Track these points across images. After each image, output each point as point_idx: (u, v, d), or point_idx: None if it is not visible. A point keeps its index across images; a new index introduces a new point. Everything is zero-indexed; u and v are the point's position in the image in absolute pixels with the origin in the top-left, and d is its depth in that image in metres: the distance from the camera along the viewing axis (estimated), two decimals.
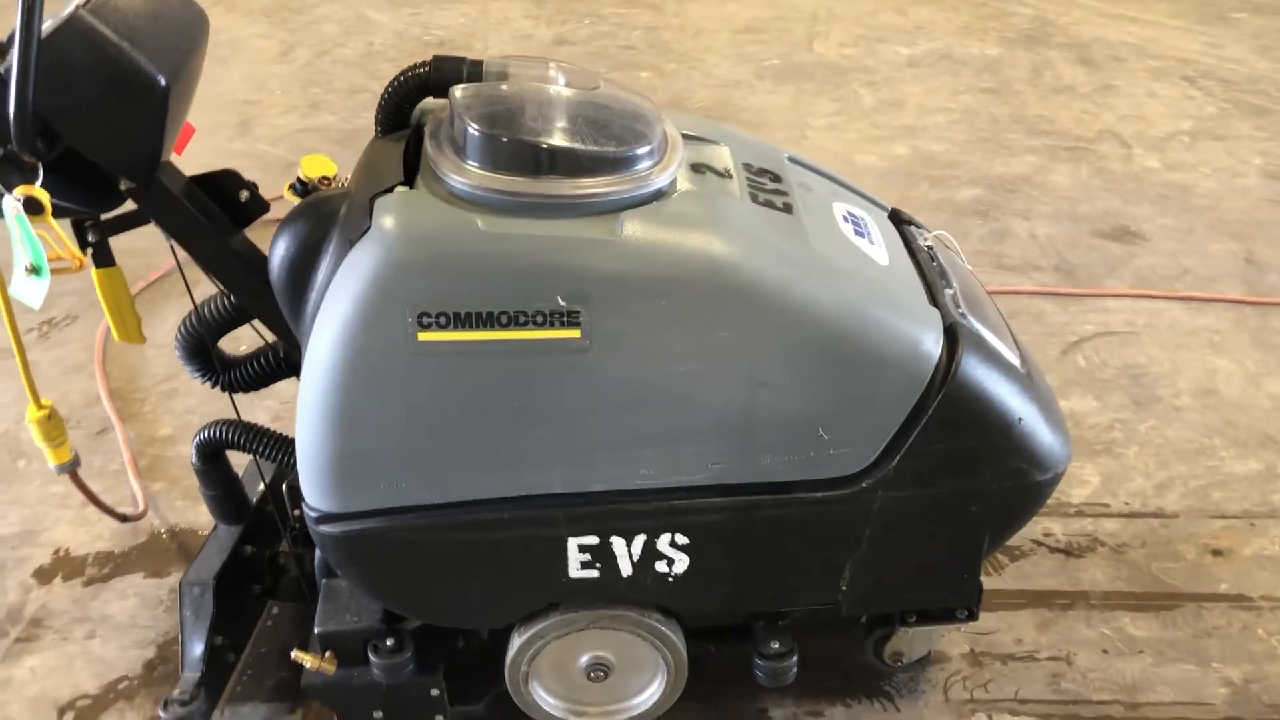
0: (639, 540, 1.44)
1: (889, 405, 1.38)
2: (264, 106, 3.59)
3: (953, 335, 1.40)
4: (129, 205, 1.41)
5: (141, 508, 2.03)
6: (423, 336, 1.28)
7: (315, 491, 1.40)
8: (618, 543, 1.44)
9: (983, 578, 1.89)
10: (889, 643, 1.68)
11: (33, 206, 1.23)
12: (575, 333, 1.29)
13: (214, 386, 1.61)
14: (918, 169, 3.23)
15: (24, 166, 1.23)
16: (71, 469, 1.63)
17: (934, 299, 1.46)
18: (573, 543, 1.44)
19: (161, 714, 1.59)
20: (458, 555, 1.45)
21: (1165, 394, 2.36)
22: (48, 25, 1.20)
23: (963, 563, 1.54)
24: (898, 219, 1.65)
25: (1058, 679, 1.76)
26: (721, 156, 1.47)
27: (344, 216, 1.33)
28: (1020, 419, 1.43)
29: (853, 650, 1.71)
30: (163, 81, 1.23)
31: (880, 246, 1.49)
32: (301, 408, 1.35)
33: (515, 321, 1.28)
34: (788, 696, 1.72)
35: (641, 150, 1.33)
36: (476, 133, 1.28)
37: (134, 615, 1.86)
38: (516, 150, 1.28)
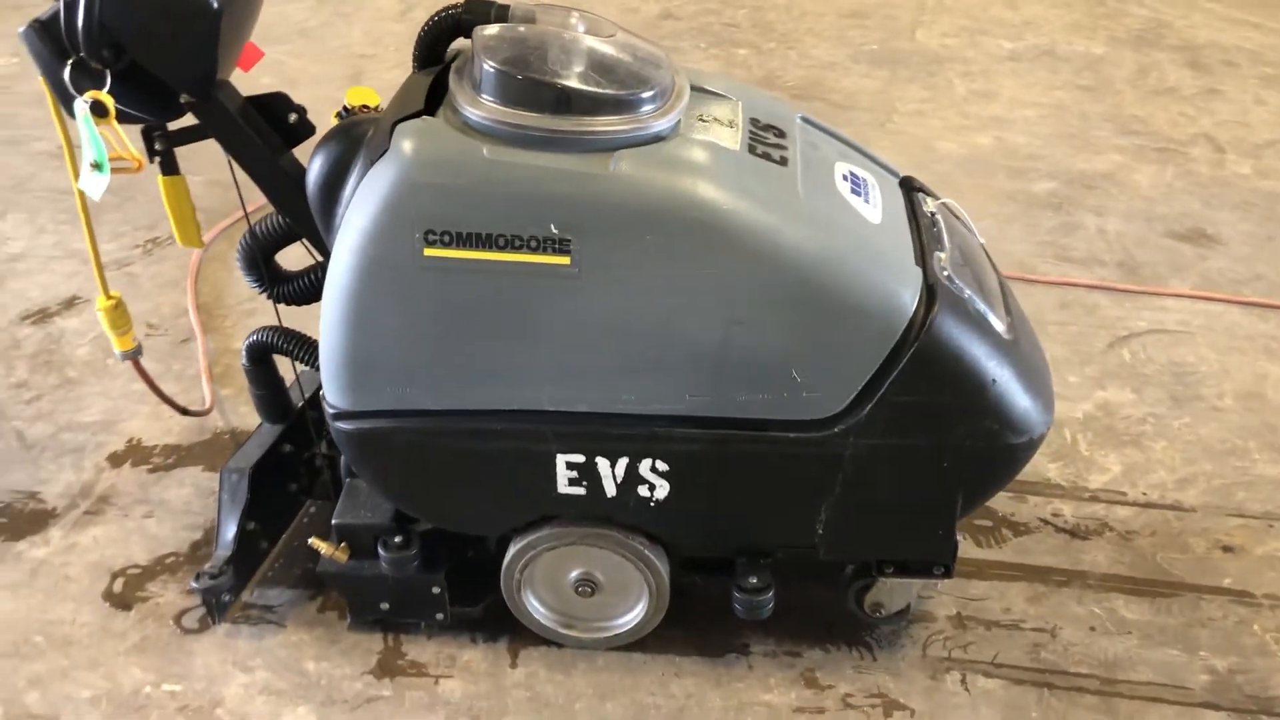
0: (622, 462, 1.54)
1: (861, 353, 1.45)
2: (376, 61, 3.79)
3: (932, 294, 1.47)
4: (192, 119, 1.57)
5: (208, 405, 2.22)
6: (428, 252, 1.40)
7: (332, 389, 1.54)
8: (602, 463, 1.55)
9: (981, 549, 1.95)
10: (869, 593, 1.75)
11: (98, 109, 1.40)
12: (565, 259, 1.40)
13: (268, 297, 1.77)
14: (997, 159, 3.23)
15: (93, 73, 1.40)
16: (134, 356, 1.81)
17: (922, 260, 1.52)
18: (560, 459, 1.55)
19: (194, 584, 1.77)
20: (456, 461, 1.57)
21: (1208, 394, 2.35)
22: None
23: (937, 518, 1.60)
24: (909, 186, 1.71)
25: (1038, 649, 1.80)
26: (730, 110, 1.56)
27: (370, 139, 1.46)
28: (994, 380, 1.48)
29: (838, 602, 1.78)
30: (215, 4, 1.38)
31: (875, 206, 1.55)
32: (323, 311, 1.49)
33: (511, 245, 1.40)
34: (770, 636, 1.80)
35: (645, 95, 1.43)
36: (491, 69, 1.40)
37: (188, 502, 2.05)
38: (526, 87, 1.40)
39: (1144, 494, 2.10)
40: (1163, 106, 3.57)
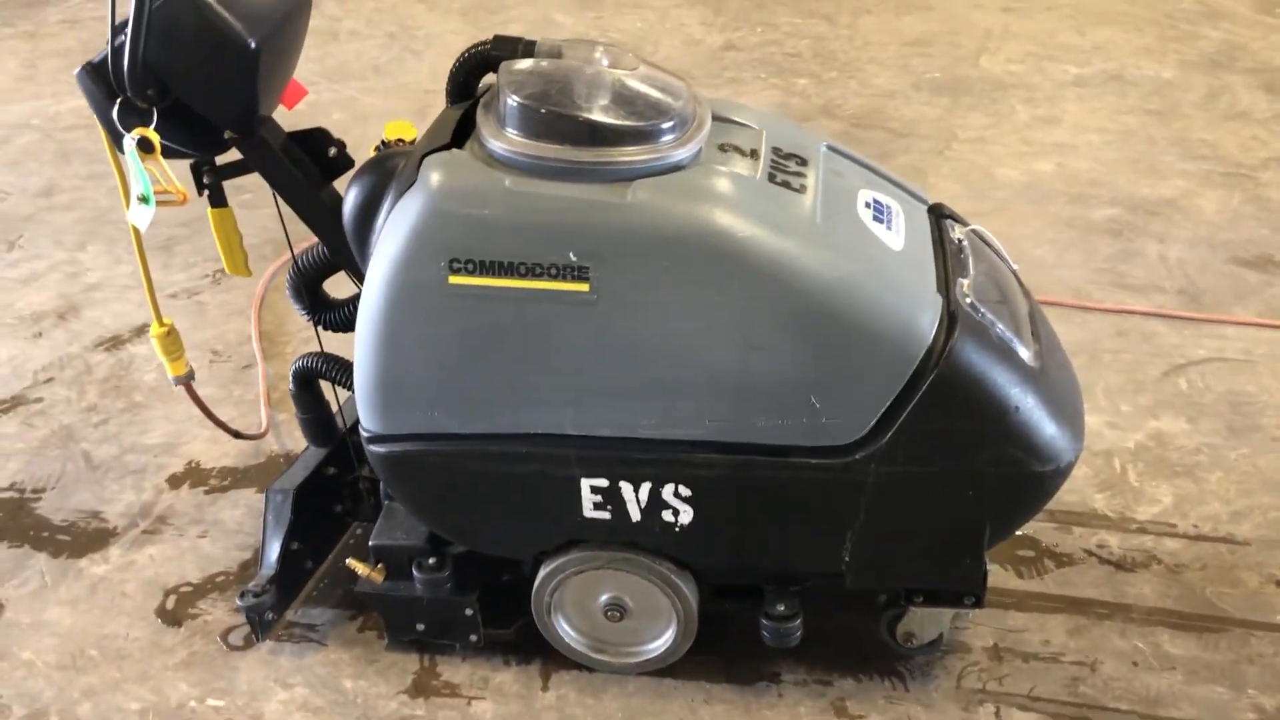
0: (645, 487, 1.56)
1: (880, 380, 1.45)
2: (442, 95, 3.88)
3: (953, 320, 1.46)
4: (238, 154, 1.64)
5: (264, 429, 2.30)
6: (453, 280, 1.45)
7: (366, 413, 1.59)
8: (626, 487, 1.57)
9: (1022, 580, 1.93)
10: (901, 622, 1.74)
11: (145, 145, 1.48)
12: (584, 286, 1.43)
13: (316, 325, 1.83)
14: (1057, 185, 3.19)
15: (140, 112, 1.48)
16: (186, 380, 1.88)
17: (945, 286, 1.52)
18: (585, 483, 1.57)
19: (238, 602, 1.83)
20: (484, 484, 1.61)
21: (1268, 424, 2.28)
22: None
23: (965, 547, 1.59)
24: (938, 213, 1.70)
25: (1077, 682, 1.76)
26: (752, 139, 1.57)
27: (401, 171, 1.51)
28: (1017, 408, 1.47)
29: (871, 631, 1.77)
30: (253, 44, 1.45)
31: (898, 233, 1.55)
32: (356, 337, 1.54)
33: (532, 272, 1.43)
34: (801, 664, 1.80)
35: (664, 125, 1.45)
36: (514, 103, 1.45)
37: (240, 522, 2.12)
38: (547, 120, 1.44)
39: (1195, 526, 2.05)
40: (1233, 131, 3.49)
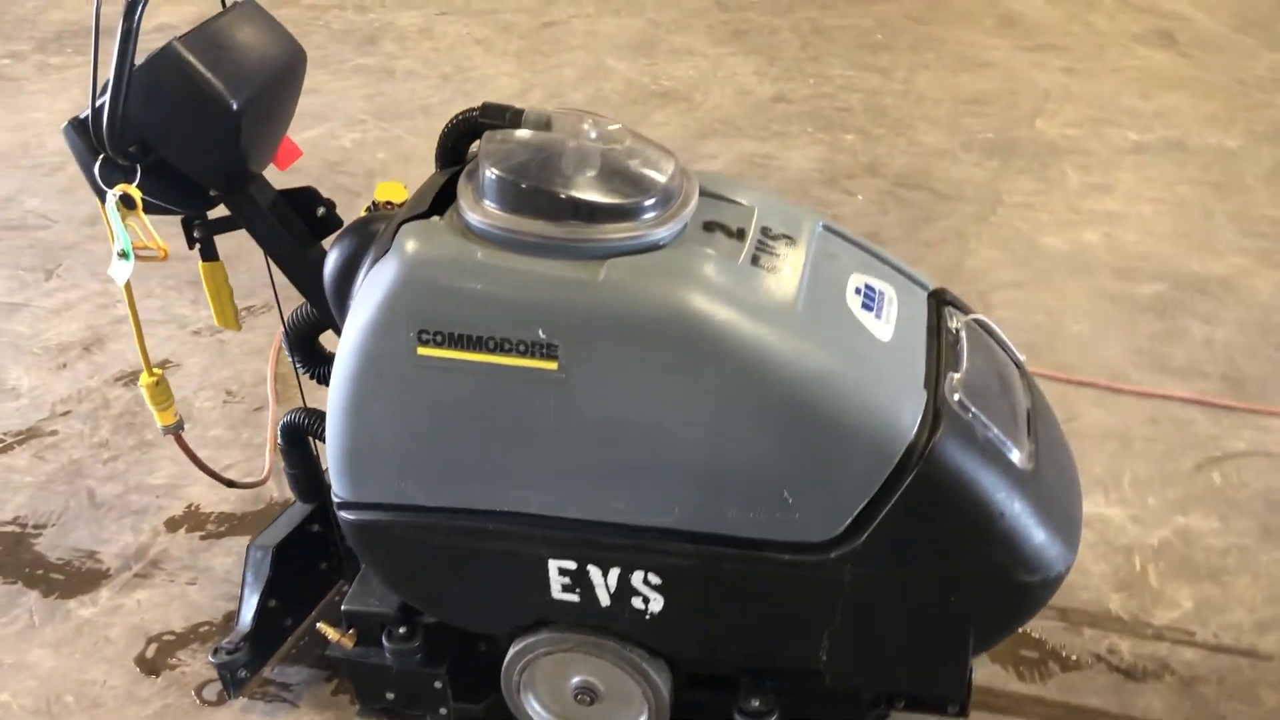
0: (614, 572, 1.51)
1: (856, 477, 1.38)
2: None
3: (937, 417, 1.39)
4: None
5: (265, 475, 2.29)
6: (421, 351, 1.41)
7: (335, 478, 1.56)
8: (594, 571, 1.52)
9: (1023, 682, 1.83)
10: None
11: (126, 202, 1.47)
12: (553, 364, 1.38)
13: (311, 378, 1.81)
14: (1103, 257, 3.08)
15: (122, 168, 1.47)
16: (176, 430, 1.87)
17: (935, 381, 1.45)
18: (553, 564, 1.52)
19: (210, 658, 1.81)
20: (452, 558, 1.56)
21: None
22: (148, 54, 1.44)
23: (948, 654, 1.50)
24: (940, 299, 1.63)
25: None
26: (741, 217, 1.52)
27: (379, 236, 1.49)
28: (1002, 513, 1.39)
29: None
30: (234, 105, 1.44)
31: (888, 322, 1.49)
32: (328, 401, 1.52)
33: (501, 348, 1.39)
34: None
35: (644, 203, 1.41)
36: (492, 175, 1.41)
37: (230, 571, 2.10)
38: (523, 193, 1.40)
39: (1215, 635, 1.93)
40: None
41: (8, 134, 3.94)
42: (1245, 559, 2.08)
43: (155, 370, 1.81)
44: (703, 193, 1.54)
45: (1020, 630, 1.91)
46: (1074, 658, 1.89)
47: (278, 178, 1.68)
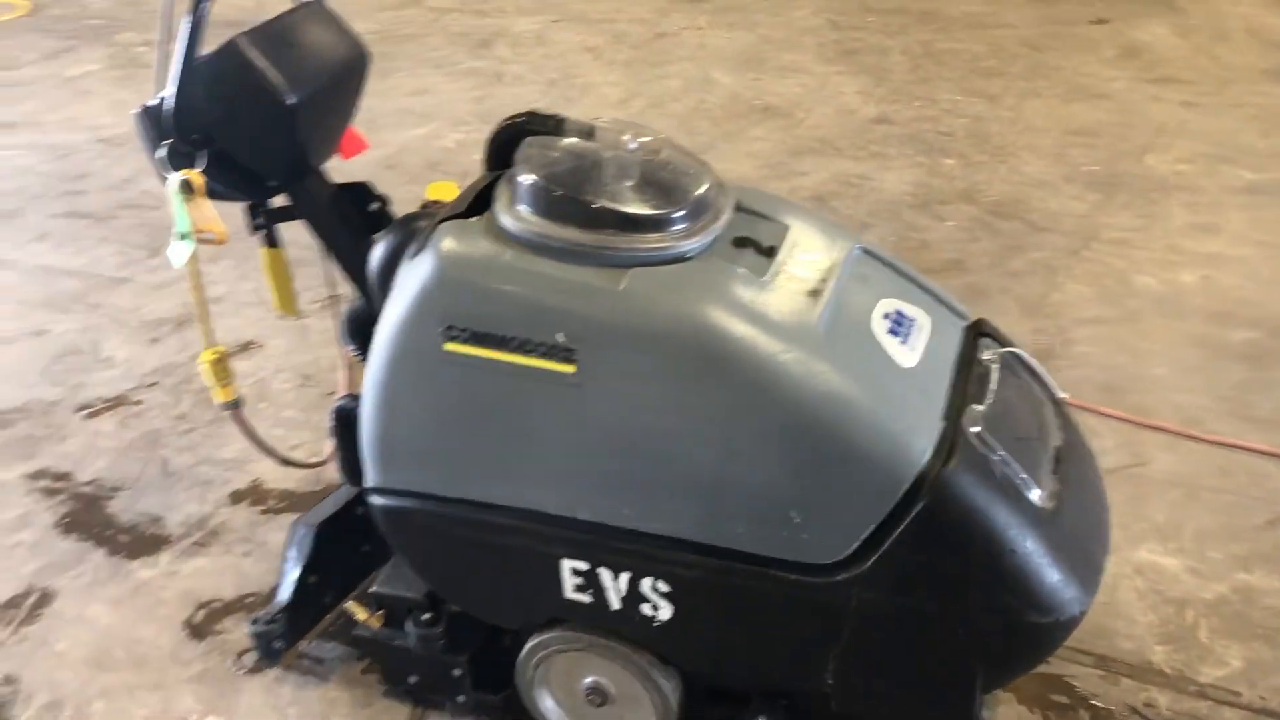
0: (624, 577, 1.53)
1: (864, 502, 1.38)
2: None
3: (952, 449, 1.37)
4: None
5: (325, 457, 2.36)
6: (447, 346, 1.46)
7: (368, 464, 1.61)
8: (605, 574, 1.54)
9: None
10: None
11: (186, 187, 1.55)
12: (570, 368, 1.41)
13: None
14: (1197, 300, 2.97)
15: (186, 155, 1.55)
16: (233, 407, 1.95)
17: (957, 412, 1.43)
18: (565, 564, 1.55)
19: (249, 627, 1.88)
20: (471, 549, 1.60)
21: None
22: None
23: (955, 690, 1.48)
24: (978, 330, 1.61)
25: None
26: (774, 235, 1.53)
27: (420, 233, 1.54)
28: (1013, 551, 1.36)
29: None
30: (291, 100, 1.50)
31: (914, 350, 1.47)
32: (363, 388, 1.57)
33: (523, 348, 1.43)
34: None
35: (673, 215, 1.43)
36: (525, 181, 1.45)
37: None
38: (554, 200, 1.44)
39: (1262, 698, 1.85)
40: None
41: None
42: None
43: (217, 348, 1.89)
44: (739, 209, 1.55)
45: (1054, 673, 1.87)
46: (1107, 708, 1.83)
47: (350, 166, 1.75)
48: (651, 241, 1.42)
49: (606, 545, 1.51)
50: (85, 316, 3.00)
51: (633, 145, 1.52)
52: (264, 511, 2.29)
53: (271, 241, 1.78)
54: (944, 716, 1.52)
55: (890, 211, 3.47)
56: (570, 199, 1.43)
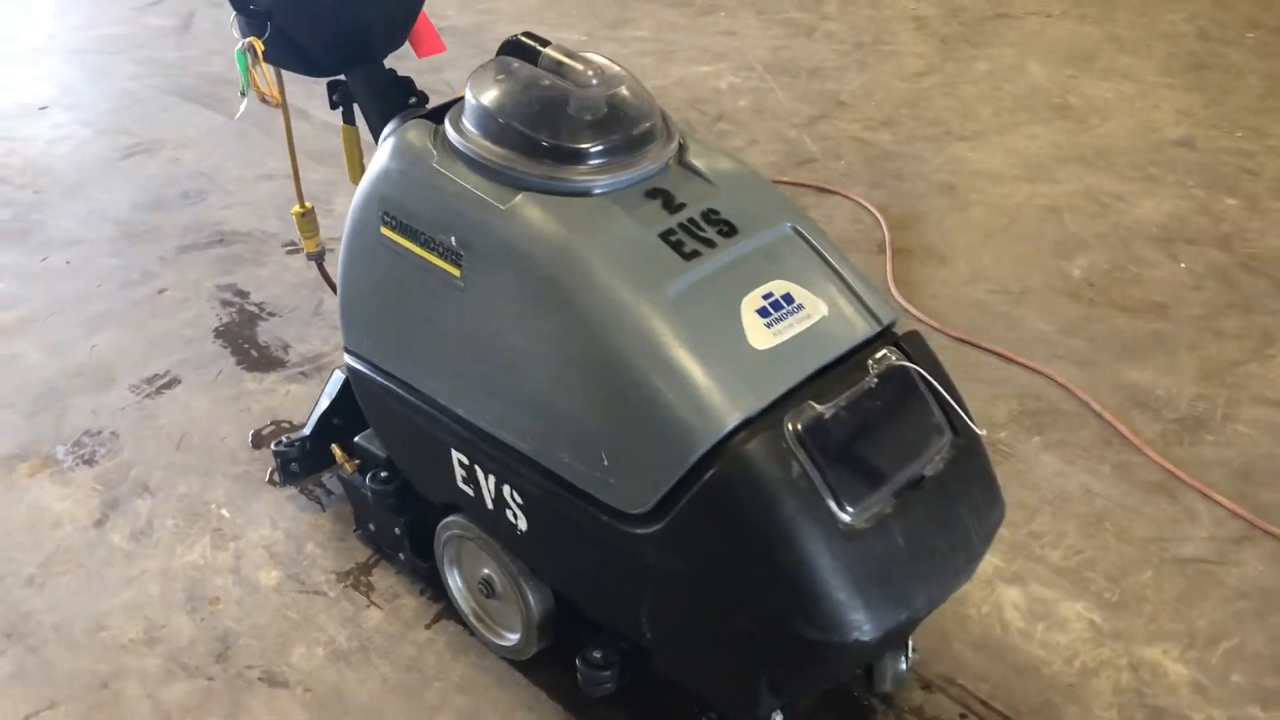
0: (492, 479, 1.64)
1: (661, 458, 1.39)
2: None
3: (754, 434, 1.35)
4: None
5: None
6: (382, 230, 1.62)
7: (340, 323, 1.82)
8: (479, 472, 1.65)
9: None
10: None
11: (251, 52, 1.80)
12: (457, 271, 1.53)
13: None
14: None
15: (253, 25, 1.80)
16: (317, 258, 2.23)
17: (788, 405, 1.39)
18: (454, 454, 1.68)
19: (273, 445, 2.17)
20: (397, 420, 1.77)
21: None
22: None
23: (743, 682, 1.47)
24: (892, 339, 1.52)
25: None
26: (695, 195, 1.53)
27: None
28: (789, 552, 1.33)
29: None
30: None
31: (779, 335, 1.44)
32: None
33: (427, 245, 1.56)
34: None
35: (584, 150, 1.50)
36: (469, 97, 1.57)
37: None
38: (480, 116, 1.55)
39: None
40: None
41: None
42: None
43: (306, 204, 2.17)
44: (681, 163, 1.58)
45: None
46: None
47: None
48: (553, 170, 1.49)
49: (477, 445, 1.62)
50: (328, 170, 3.43)
51: (595, 82, 1.57)
52: None
53: (348, 118, 2.00)
54: (736, 705, 1.51)
55: (1121, 239, 3.15)
56: (491, 117, 1.53)
